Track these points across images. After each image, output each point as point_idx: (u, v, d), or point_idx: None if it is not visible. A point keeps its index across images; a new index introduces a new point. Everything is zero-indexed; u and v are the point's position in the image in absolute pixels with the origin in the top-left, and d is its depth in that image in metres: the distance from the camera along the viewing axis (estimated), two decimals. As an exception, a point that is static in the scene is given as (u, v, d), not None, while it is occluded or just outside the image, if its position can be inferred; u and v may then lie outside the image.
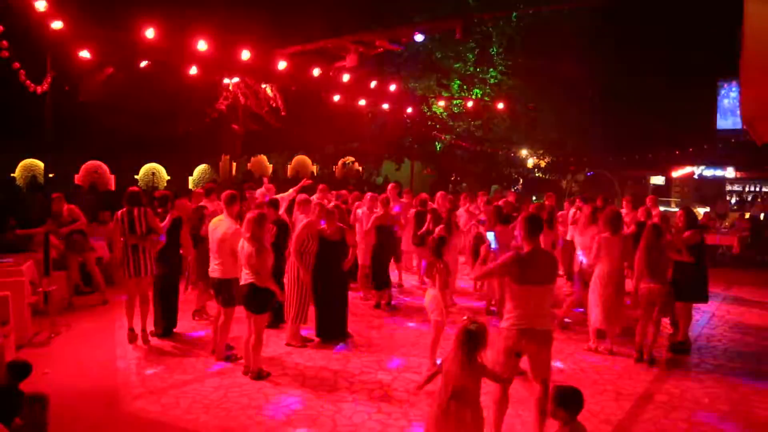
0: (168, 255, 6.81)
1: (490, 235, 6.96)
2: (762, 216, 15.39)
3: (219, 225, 6.12)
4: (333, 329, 6.84)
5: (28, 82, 8.20)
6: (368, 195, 9.17)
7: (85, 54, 9.63)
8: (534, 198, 20.71)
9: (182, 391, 5.30)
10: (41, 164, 15.57)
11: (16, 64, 7.82)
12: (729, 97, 22.36)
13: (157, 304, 6.84)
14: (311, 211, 6.85)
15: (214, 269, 6.08)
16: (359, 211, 9.04)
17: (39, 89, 8.52)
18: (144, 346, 6.52)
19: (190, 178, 21.00)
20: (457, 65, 19.20)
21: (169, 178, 20.40)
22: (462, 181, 23.55)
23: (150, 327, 6.80)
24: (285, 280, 6.59)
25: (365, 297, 8.79)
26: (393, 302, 8.52)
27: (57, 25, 8.25)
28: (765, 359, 6.70)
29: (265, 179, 10.39)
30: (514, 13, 17.88)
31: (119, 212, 6.59)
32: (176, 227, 6.86)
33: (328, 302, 6.79)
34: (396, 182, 12.38)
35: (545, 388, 4.17)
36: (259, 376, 5.61)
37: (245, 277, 5.56)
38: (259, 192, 9.42)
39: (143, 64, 11.77)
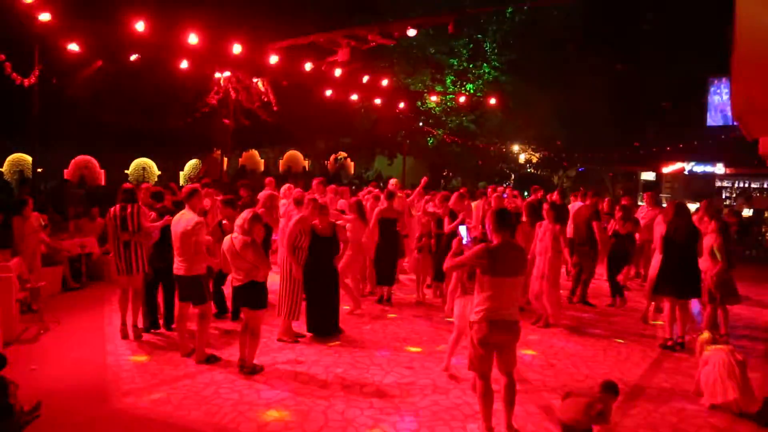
0: (161, 251, 6.71)
1: (462, 229, 7.03)
2: (752, 212, 15.53)
3: (180, 219, 5.88)
4: (324, 325, 6.82)
5: (14, 75, 8.09)
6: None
7: (73, 47, 9.52)
8: (526, 193, 20.76)
9: (173, 387, 5.27)
10: (29, 159, 15.45)
11: (2, 57, 7.72)
12: (719, 94, 22.51)
13: (145, 299, 6.77)
14: (304, 205, 6.83)
15: (179, 267, 5.87)
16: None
17: (26, 82, 8.42)
18: (134, 342, 6.47)
19: (181, 173, 20.89)
20: (453, 60, 19.19)
21: (159, 173, 20.31)
22: (454, 177, 23.58)
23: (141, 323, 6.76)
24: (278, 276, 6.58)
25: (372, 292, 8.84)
26: (388, 298, 8.54)
27: (45, 17, 8.13)
28: (753, 353, 6.76)
29: (268, 180, 10.21)
30: (509, 9, 17.87)
31: (112, 209, 6.55)
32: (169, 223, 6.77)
33: (319, 298, 6.78)
34: (389, 177, 12.37)
35: (511, 379, 4.40)
36: (254, 370, 5.61)
37: (235, 278, 5.55)
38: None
39: (133, 57, 11.65)
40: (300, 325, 6.84)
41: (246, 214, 5.60)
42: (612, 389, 4.34)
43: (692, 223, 6.84)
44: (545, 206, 7.67)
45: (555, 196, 10.67)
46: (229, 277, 6.15)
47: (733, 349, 5.17)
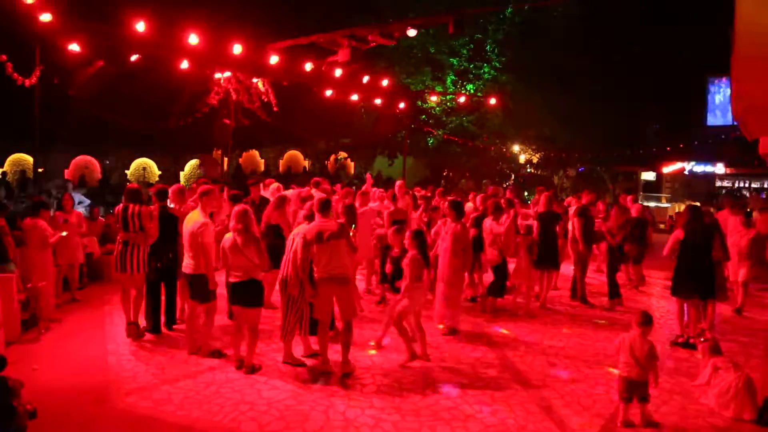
0: (160, 249, 6.71)
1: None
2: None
3: (190, 219, 6.00)
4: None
5: (15, 75, 8.09)
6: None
7: (74, 47, 9.52)
8: (526, 193, 20.77)
9: (174, 387, 5.28)
10: (30, 159, 15.47)
11: (3, 57, 7.72)
12: (719, 93, 22.50)
13: (148, 298, 6.78)
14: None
15: (188, 264, 5.97)
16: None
17: (27, 82, 8.42)
18: (135, 342, 6.48)
19: (182, 173, 20.91)
20: (453, 60, 19.18)
21: (160, 173, 20.34)
22: (455, 177, 23.58)
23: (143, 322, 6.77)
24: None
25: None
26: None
27: (46, 17, 8.14)
28: (755, 353, 6.77)
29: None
30: (509, 9, 17.88)
31: (116, 208, 6.61)
32: (171, 222, 6.79)
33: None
34: (389, 178, 12.36)
35: (349, 326, 5.67)
36: (253, 369, 5.62)
37: (233, 275, 5.55)
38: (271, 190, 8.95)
39: (134, 57, 11.65)
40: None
41: (236, 209, 5.56)
42: (647, 320, 4.79)
43: (707, 225, 6.94)
44: (445, 204, 7.45)
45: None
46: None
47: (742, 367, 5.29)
